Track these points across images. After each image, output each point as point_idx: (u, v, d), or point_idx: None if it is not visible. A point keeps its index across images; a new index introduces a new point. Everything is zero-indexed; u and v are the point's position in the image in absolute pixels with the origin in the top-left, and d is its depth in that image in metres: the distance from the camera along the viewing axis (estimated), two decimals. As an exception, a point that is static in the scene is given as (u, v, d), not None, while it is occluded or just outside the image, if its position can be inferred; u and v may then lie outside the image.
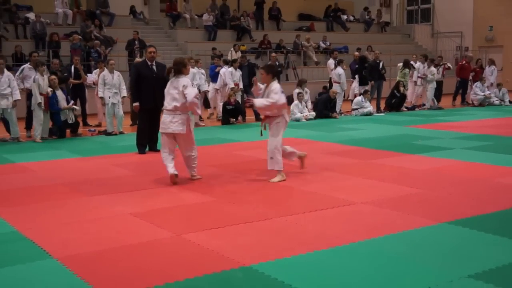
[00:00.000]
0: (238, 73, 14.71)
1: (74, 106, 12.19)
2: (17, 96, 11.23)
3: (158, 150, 9.54)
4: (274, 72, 7.67)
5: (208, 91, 13.94)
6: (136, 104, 9.65)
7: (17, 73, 12.12)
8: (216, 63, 15.97)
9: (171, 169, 7.23)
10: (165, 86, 9.63)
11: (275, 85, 7.42)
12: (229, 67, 14.91)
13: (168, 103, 7.30)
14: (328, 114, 14.99)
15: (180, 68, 7.36)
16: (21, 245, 4.89)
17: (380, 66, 16.47)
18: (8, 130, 11.51)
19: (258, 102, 7.41)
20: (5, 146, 10.85)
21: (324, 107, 15.11)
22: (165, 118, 7.32)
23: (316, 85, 19.31)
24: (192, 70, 13.16)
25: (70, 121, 11.85)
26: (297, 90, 15.08)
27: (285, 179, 7.32)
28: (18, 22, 18.74)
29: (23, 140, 11.41)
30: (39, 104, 11.22)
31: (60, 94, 11.82)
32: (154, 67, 9.68)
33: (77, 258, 4.51)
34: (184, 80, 7.27)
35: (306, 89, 15.50)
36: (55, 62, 13.57)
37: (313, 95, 16.99)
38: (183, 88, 7.16)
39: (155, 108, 9.56)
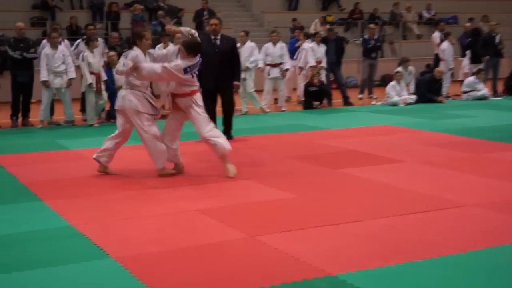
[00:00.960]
0: (322, 48, 14.56)
1: None
2: (72, 74, 11.62)
3: (232, 137, 9.69)
4: (195, 51, 7.41)
5: (288, 69, 13.92)
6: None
7: (72, 48, 12.55)
8: (296, 37, 15.94)
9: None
10: (231, 63, 9.71)
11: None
12: (310, 42, 14.79)
13: None
14: (432, 97, 14.66)
15: (134, 40, 7.49)
16: (76, 242, 5.09)
17: (497, 40, 15.93)
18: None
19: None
20: (58, 130, 11.30)
21: (427, 89, 14.79)
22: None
23: (417, 63, 18.83)
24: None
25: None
26: (398, 69, 14.85)
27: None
28: (73, -10, 19.43)
29: (78, 124, 11.84)
30: (90, 85, 11.51)
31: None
32: (218, 42, 9.75)
33: (137, 258, 4.65)
34: (132, 53, 7.33)
35: (410, 68, 15.23)
36: (114, 35, 13.95)
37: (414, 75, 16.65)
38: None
39: (219, 89, 9.72)
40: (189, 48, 7.28)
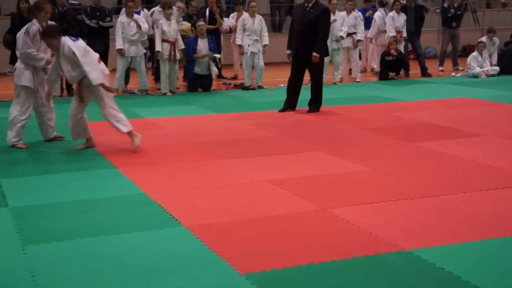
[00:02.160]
0: (402, 17, 14.25)
1: (216, 55, 12.32)
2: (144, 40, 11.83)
3: (312, 111, 9.70)
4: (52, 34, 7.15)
5: (360, 39, 13.70)
6: (287, 52, 10.01)
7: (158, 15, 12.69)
8: (366, 7, 15.72)
9: None
10: (316, 34, 9.66)
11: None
12: (389, 11, 14.49)
13: None
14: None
15: (33, 11, 7.50)
16: (149, 209, 5.22)
17: None
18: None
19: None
20: (132, 99, 11.54)
21: (512, 60, 14.32)
22: None
23: (502, 33, 18.22)
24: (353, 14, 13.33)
25: (213, 74, 12.25)
26: (482, 39, 14.41)
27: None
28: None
29: (151, 93, 12.05)
30: (157, 52, 11.72)
31: (203, 42, 12.18)
32: (308, 10, 9.72)
33: (208, 227, 4.74)
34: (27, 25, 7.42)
35: (495, 39, 14.76)
36: (194, 4, 14.02)
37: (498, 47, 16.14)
38: None
39: (302, 59, 9.69)
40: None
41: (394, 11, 14.23)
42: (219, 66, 12.58)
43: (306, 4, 9.75)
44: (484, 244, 4.35)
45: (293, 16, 10.15)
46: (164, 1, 12.21)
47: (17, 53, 7.59)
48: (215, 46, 12.50)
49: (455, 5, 15.30)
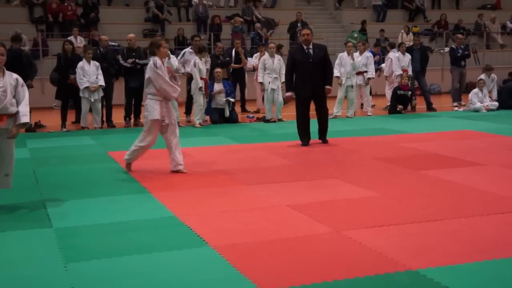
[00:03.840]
0: (407, 57, 14.26)
1: (230, 99, 12.52)
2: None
3: (326, 142, 9.63)
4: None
5: (370, 77, 13.71)
6: (288, 94, 9.63)
7: (179, 57, 12.87)
8: (376, 51, 15.84)
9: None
10: (324, 69, 9.59)
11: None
12: (396, 52, 14.51)
13: None
14: (515, 104, 14.08)
15: (153, 49, 7.44)
16: (179, 231, 5.22)
17: None
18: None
19: None
20: (165, 130, 11.59)
21: (510, 96, 14.22)
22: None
23: (500, 71, 18.18)
24: (365, 55, 13.42)
25: (225, 115, 12.35)
26: (481, 76, 14.33)
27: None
28: (181, 5, 19.90)
29: (182, 125, 12.12)
30: (200, 88, 11.82)
31: (219, 87, 12.40)
32: (311, 51, 9.56)
33: (233, 248, 4.72)
34: (150, 62, 7.41)
35: (493, 75, 14.67)
36: (220, 45, 14.16)
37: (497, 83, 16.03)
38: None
39: (314, 96, 9.58)
40: None
41: (400, 52, 14.25)
42: (230, 108, 12.55)
43: (305, 47, 9.51)
44: (485, 264, 4.29)
45: (295, 58, 9.58)
46: (199, 46, 12.38)
47: (151, 90, 7.52)
48: (231, 89, 12.63)
49: (462, 46, 15.20)
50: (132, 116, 12.36)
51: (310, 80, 9.44)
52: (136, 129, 11.81)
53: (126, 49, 12.45)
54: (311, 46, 9.56)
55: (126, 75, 12.22)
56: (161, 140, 7.79)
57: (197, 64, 11.86)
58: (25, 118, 5.85)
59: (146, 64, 12.08)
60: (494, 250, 4.55)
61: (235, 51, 14.07)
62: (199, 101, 11.94)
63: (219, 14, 19.31)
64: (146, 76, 7.53)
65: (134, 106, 12.32)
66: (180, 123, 12.07)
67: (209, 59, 13.04)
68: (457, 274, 4.10)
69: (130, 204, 6.19)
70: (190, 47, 12.97)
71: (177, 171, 7.59)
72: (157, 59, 7.40)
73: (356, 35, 19.16)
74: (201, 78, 11.88)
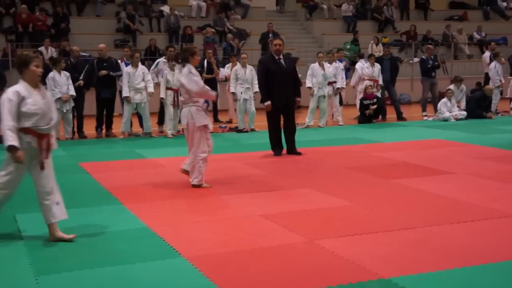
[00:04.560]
0: (376, 68, 14.39)
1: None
2: (151, 88, 11.87)
3: (299, 153, 9.62)
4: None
5: (340, 87, 13.82)
6: (267, 103, 9.44)
7: (152, 67, 12.84)
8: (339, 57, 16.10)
9: (183, 165, 7.50)
10: (293, 80, 9.59)
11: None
12: (365, 62, 14.66)
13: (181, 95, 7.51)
14: (482, 114, 14.29)
15: (186, 57, 7.38)
16: (152, 242, 5.18)
17: None
18: (141, 125, 12.21)
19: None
20: (137, 141, 11.54)
21: (477, 106, 14.44)
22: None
23: (468, 81, 18.46)
24: (334, 65, 13.50)
25: None
26: (450, 87, 14.53)
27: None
28: (152, 16, 19.84)
29: (155, 135, 12.06)
30: (161, 99, 11.81)
31: None
32: (282, 61, 9.53)
33: (206, 258, 4.70)
34: (185, 69, 7.33)
35: (462, 86, 14.89)
36: None
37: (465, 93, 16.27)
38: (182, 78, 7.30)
39: (287, 106, 9.56)
40: None
41: (369, 63, 14.37)
42: None
43: (277, 57, 9.46)
44: (456, 272, 4.33)
45: (267, 68, 9.45)
46: (169, 55, 12.32)
47: (190, 98, 7.32)
48: (205, 101, 12.57)
49: (432, 56, 15.31)
50: (103, 126, 12.26)
51: (283, 90, 9.44)
52: (108, 140, 11.74)
53: (97, 60, 12.35)
54: (281, 57, 9.58)
55: (98, 85, 12.13)
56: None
57: (165, 75, 11.83)
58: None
59: (119, 76, 12.13)
60: (465, 258, 4.60)
61: (207, 61, 14.04)
62: (169, 111, 11.90)
63: (191, 24, 19.30)
64: (183, 83, 7.32)
65: (105, 117, 12.22)
66: (152, 134, 12.04)
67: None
68: (428, 282, 4.14)
69: (102, 215, 6.12)
70: (164, 57, 12.93)
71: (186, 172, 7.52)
72: (191, 67, 7.32)
73: (348, 46, 19.39)
74: (171, 89, 11.84)
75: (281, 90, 9.42)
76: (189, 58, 7.36)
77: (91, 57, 14.79)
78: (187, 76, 7.27)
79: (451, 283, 4.14)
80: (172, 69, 11.90)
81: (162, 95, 11.80)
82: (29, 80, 5.08)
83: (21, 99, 4.96)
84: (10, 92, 5.00)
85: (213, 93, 7.64)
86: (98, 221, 5.86)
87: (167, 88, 11.83)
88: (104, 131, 12.26)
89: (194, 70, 7.33)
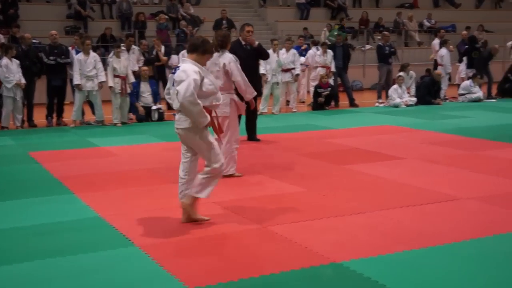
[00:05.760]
0: (329, 55, 14.45)
1: (160, 106, 12.45)
2: (103, 77, 11.67)
3: (259, 140, 9.61)
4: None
5: (298, 74, 13.93)
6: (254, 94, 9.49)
7: (110, 55, 12.57)
8: (300, 44, 16.24)
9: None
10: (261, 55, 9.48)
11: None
12: (317, 50, 14.75)
13: None
14: (430, 100, 14.55)
15: (227, 42, 7.10)
16: (104, 231, 5.12)
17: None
18: (94, 113, 12.03)
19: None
20: (89, 129, 11.37)
21: (427, 91, 14.69)
22: None
23: (418, 68, 18.75)
24: (292, 52, 13.64)
25: (153, 119, 12.21)
26: (400, 73, 14.73)
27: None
28: (104, 2, 19.49)
29: (107, 124, 11.89)
30: (110, 88, 11.63)
31: (145, 86, 12.23)
32: (249, 47, 9.44)
33: (160, 246, 4.67)
34: (229, 56, 7.07)
35: (411, 72, 15.09)
36: (144, 43, 13.93)
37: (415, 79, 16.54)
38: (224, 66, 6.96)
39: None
40: None
41: (321, 50, 14.45)
42: (157, 114, 12.39)
43: (244, 43, 9.35)
44: (405, 255, 4.41)
45: (238, 55, 9.54)
46: (128, 44, 12.17)
47: (230, 82, 7.07)
48: (157, 90, 12.52)
49: (388, 43, 15.43)
50: (54, 115, 12.02)
51: (249, 78, 9.38)
52: (59, 128, 11.52)
53: (48, 46, 12.08)
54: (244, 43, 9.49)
55: (48, 73, 11.87)
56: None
57: (111, 63, 11.67)
58: None
59: (69, 63, 11.87)
60: (414, 241, 4.69)
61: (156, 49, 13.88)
62: (114, 100, 11.74)
63: (144, 11, 19.03)
64: (228, 69, 7.00)
65: (56, 105, 11.98)
66: (104, 122, 11.86)
67: (142, 57, 12.96)
68: (379, 265, 4.21)
69: (53, 205, 6.01)
70: (122, 45, 12.73)
71: None
72: (232, 55, 7.02)
73: (336, 32, 19.36)
74: (119, 77, 11.68)
75: (251, 77, 9.36)
76: (228, 44, 7.13)
77: (41, 44, 14.45)
78: (235, 64, 7.03)
79: (401, 265, 4.22)
80: (118, 56, 11.73)
81: (110, 83, 11.62)
82: None
83: None
84: None
85: (251, 89, 7.23)
86: (49, 212, 5.75)
87: (115, 76, 11.66)
88: (55, 119, 12.02)
89: (232, 57, 7.08)
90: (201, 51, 5.24)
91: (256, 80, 9.39)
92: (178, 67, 5.23)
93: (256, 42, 9.06)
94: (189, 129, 5.16)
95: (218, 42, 7.09)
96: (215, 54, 6.94)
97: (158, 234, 4.98)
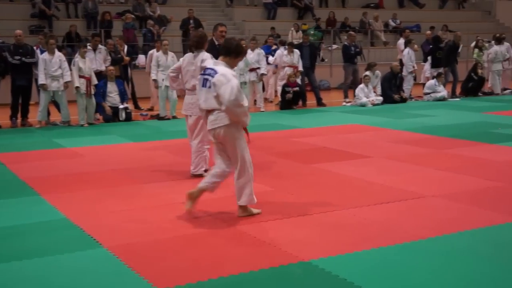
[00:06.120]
0: (295, 55, 14.50)
1: (127, 105, 12.36)
2: (68, 77, 11.52)
3: None
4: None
5: (264, 73, 13.97)
6: None
7: (76, 55, 12.41)
8: (269, 43, 16.26)
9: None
10: None
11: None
12: (284, 50, 14.82)
13: (187, 83, 7.03)
14: (393, 96, 14.65)
15: (203, 42, 7.09)
16: (71, 233, 5.06)
17: (460, 49, 16.17)
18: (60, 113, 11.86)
19: None
20: (55, 130, 11.21)
21: (389, 86, 14.81)
22: (186, 99, 7.05)
23: (384, 67, 18.90)
24: (257, 51, 13.68)
25: (120, 118, 12.10)
26: (366, 73, 14.86)
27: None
28: (69, 1, 19.24)
29: (73, 124, 11.75)
30: (77, 88, 11.50)
31: (112, 86, 12.11)
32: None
33: (128, 247, 4.63)
34: (204, 54, 6.99)
35: (377, 72, 15.23)
36: (111, 42, 13.79)
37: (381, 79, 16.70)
38: (201, 64, 6.83)
39: None
40: None
41: (287, 50, 14.52)
42: (125, 113, 12.30)
43: (217, 43, 9.04)
44: (373, 252, 4.46)
45: (213, 54, 9.45)
46: (94, 44, 12.04)
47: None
48: (124, 89, 12.43)
49: (354, 43, 15.53)
50: (19, 115, 11.82)
51: None
52: (24, 129, 11.34)
53: (13, 46, 11.87)
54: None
55: (13, 73, 11.67)
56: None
57: (76, 63, 11.55)
58: None
59: (34, 63, 11.68)
60: (381, 238, 4.75)
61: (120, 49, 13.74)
62: (79, 101, 11.62)
63: (110, 10, 18.83)
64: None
65: (21, 105, 11.78)
66: (70, 122, 11.72)
67: (108, 57, 12.83)
68: (348, 263, 4.25)
69: (18, 207, 5.91)
70: (88, 44, 12.59)
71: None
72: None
73: (312, 32, 19.48)
74: (84, 77, 11.56)
75: None
76: (204, 44, 7.11)
77: (5, 43, 14.19)
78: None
79: (369, 263, 4.26)
80: (83, 56, 11.63)
81: (77, 83, 11.48)
82: None
83: None
84: None
85: None
86: (14, 214, 5.66)
87: (80, 76, 11.54)
88: (19, 120, 11.82)
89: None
90: (234, 55, 5.47)
91: None
92: (211, 68, 5.39)
93: None
94: (229, 125, 5.33)
95: (194, 42, 7.09)
96: (191, 54, 7.02)
97: (126, 235, 4.94)
